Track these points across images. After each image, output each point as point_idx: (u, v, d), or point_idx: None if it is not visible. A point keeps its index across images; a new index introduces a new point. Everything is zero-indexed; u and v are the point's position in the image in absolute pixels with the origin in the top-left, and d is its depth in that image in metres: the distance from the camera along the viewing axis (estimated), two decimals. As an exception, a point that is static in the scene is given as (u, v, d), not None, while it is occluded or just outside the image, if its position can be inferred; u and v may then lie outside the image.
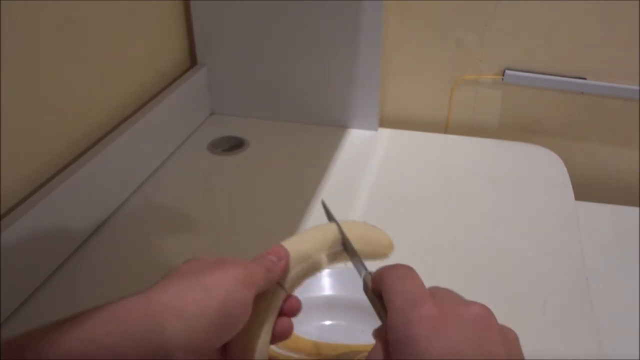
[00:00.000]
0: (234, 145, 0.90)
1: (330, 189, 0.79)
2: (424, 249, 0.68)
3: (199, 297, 0.34)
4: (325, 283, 0.60)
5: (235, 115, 0.97)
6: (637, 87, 0.93)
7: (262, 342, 0.40)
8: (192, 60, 0.96)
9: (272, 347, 0.54)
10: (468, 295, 0.64)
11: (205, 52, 0.94)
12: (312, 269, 0.44)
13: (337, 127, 0.94)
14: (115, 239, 0.70)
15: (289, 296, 0.43)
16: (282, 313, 0.43)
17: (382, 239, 0.48)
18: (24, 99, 0.60)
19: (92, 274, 0.65)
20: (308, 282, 0.59)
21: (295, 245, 0.44)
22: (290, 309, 0.43)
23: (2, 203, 0.59)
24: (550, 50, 0.94)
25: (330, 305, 0.58)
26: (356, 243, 0.45)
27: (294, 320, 0.56)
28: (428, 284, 0.61)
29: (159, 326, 0.32)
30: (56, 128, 0.66)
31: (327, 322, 0.57)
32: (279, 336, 0.42)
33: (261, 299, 0.40)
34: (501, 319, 0.62)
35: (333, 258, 0.45)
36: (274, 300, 0.42)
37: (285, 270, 0.41)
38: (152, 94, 0.85)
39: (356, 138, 0.92)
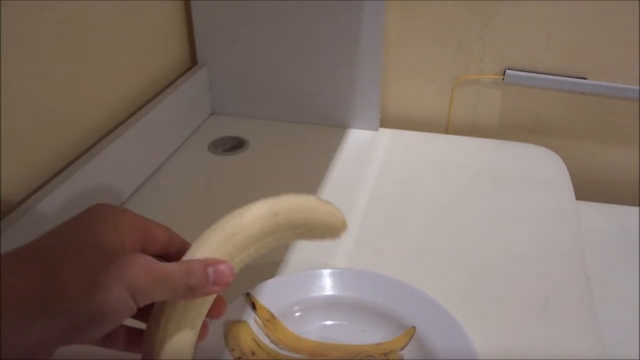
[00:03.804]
0: (234, 145, 0.90)
1: (331, 189, 0.79)
2: (425, 248, 0.68)
3: (74, 286, 0.30)
4: (326, 283, 0.60)
5: (235, 115, 0.97)
6: (637, 87, 0.93)
7: (186, 345, 0.37)
8: (192, 60, 0.96)
9: (274, 347, 0.54)
10: (469, 295, 0.64)
11: (205, 52, 0.93)
12: (258, 253, 0.41)
13: (337, 127, 0.94)
14: (115, 239, 0.70)
15: (218, 298, 0.41)
16: (208, 314, 0.40)
17: (335, 217, 0.42)
18: (24, 99, 0.60)
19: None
20: (309, 282, 0.59)
21: (236, 230, 0.40)
22: (217, 311, 0.41)
23: (2, 203, 0.59)
24: (551, 50, 0.94)
25: (331, 305, 0.58)
26: (306, 220, 0.41)
27: (296, 320, 0.56)
28: (429, 283, 0.61)
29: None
30: (55, 128, 0.66)
31: (328, 322, 0.57)
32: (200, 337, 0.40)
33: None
34: (502, 319, 0.62)
35: (280, 238, 0.41)
36: (205, 303, 0.38)
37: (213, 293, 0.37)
38: (152, 94, 0.84)
39: (357, 138, 0.92)
